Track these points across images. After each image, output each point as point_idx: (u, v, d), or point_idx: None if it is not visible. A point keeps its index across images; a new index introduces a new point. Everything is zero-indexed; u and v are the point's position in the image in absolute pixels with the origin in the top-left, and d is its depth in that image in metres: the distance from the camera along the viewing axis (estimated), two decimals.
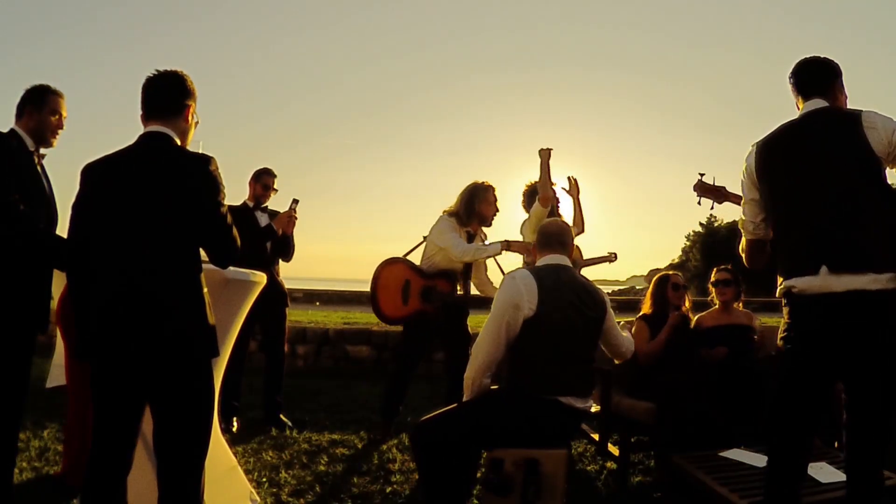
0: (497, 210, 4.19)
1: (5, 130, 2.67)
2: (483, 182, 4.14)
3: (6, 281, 2.52)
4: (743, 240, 2.37)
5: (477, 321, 4.62)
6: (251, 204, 4.47)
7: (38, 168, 2.73)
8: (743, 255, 2.39)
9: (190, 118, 2.17)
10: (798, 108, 2.26)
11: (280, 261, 4.56)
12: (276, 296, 4.35)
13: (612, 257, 4.96)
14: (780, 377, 2.13)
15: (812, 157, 2.09)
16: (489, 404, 2.58)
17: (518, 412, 2.51)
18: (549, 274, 2.64)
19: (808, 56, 2.29)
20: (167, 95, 2.12)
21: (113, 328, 1.96)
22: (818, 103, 2.19)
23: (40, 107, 2.72)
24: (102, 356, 2.00)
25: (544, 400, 2.53)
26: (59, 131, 2.79)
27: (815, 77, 2.25)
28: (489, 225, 4.23)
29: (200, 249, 2.10)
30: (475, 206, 4.08)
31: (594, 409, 3.47)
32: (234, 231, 2.13)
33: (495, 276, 4.35)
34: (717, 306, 4.11)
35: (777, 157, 2.17)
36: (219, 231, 2.08)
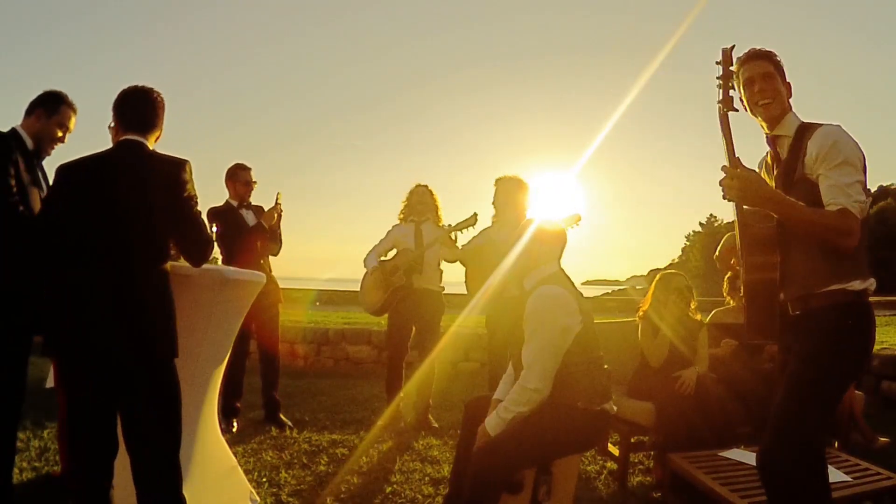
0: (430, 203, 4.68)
1: (5, 130, 2.66)
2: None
3: (3, 282, 2.51)
4: (849, 221, 1.96)
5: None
6: (235, 203, 4.40)
7: (37, 168, 2.72)
8: (849, 238, 1.97)
9: (160, 132, 2.29)
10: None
11: (270, 256, 4.51)
12: (268, 293, 4.33)
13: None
14: (852, 374, 2.15)
15: None
16: (552, 424, 2.45)
17: (579, 426, 2.47)
18: (570, 286, 2.60)
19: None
20: (146, 112, 2.22)
21: (79, 325, 1.99)
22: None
23: (50, 114, 2.70)
24: (68, 353, 2.04)
25: (594, 411, 2.50)
26: (59, 144, 2.77)
27: None
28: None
29: (170, 251, 2.16)
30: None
31: None
32: (207, 229, 2.22)
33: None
34: (733, 305, 4.12)
35: None
36: (191, 229, 2.15)
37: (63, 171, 2.14)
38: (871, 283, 2.05)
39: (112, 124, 2.32)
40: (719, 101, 2.19)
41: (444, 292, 4.68)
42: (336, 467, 3.62)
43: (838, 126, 2.08)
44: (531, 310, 2.48)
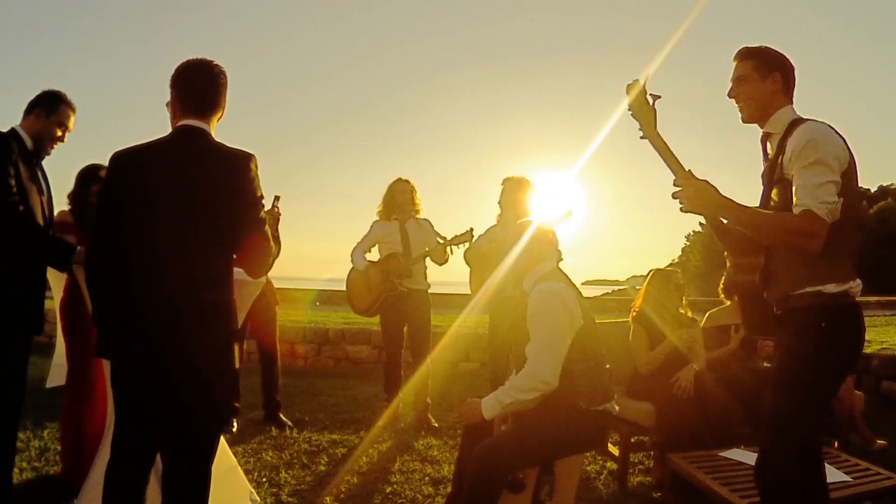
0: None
1: (5, 129, 2.65)
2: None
3: (3, 282, 2.51)
4: (811, 224, 1.89)
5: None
6: None
7: (37, 168, 2.72)
8: (811, 240, 1.89)
9: (222, 112, 2.09)
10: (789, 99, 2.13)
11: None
12: (265, 293, 4.32)
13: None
14: (834, 375, 2.06)
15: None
16: (553, 424, 2.45)
17: (580, 426, 2.48)
18: (568, 282, 2.60)
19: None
20: (205, 91, 1.99)
21: (137, 331, 1.87)
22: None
23: (49, 114, 2.68)
24: (123, 358, 1.93)
25: (595, 411, 2.50)
26: (59, 143, 2.76)
27: None
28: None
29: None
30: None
31: None
32: (270, 236, 2.01)
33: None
34: (728, 304, 4.11)
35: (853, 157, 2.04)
36: (253, 234, 1.95)
37: (116, 160, 1.93)
38: (854, 285, 2.01)
39: (168, 102, 2.07)
40: (639, 130, 2.14)
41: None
42: (336, 467, 3.62)
43: (821, 123, 2.01)
44: (534, 307, 2.49)
